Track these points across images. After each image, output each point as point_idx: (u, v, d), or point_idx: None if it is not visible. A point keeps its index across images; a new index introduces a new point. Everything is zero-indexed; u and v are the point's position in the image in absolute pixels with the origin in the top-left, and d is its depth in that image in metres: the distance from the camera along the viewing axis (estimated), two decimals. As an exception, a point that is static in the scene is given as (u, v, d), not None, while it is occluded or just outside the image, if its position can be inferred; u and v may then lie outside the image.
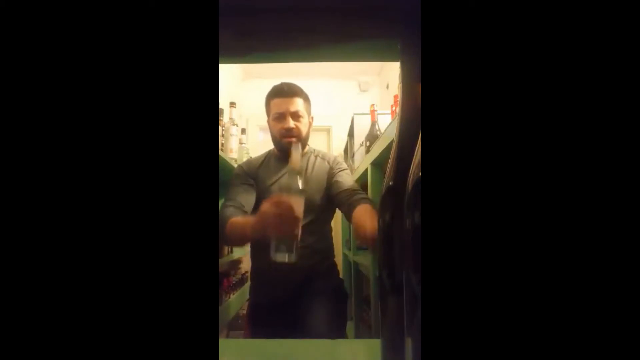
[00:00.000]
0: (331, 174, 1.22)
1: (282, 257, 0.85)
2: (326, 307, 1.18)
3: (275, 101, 1.21)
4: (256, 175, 1.24)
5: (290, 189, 0.93)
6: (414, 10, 0.24)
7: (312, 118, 1.29)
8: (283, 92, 1.21)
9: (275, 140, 1.25)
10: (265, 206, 0.85)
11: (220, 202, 1.26)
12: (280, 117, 1.20)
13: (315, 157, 1.28)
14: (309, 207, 1.14)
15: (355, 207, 1.03)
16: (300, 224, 0.85)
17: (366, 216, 0.97)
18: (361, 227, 0.97)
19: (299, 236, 0.86)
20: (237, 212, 1.09)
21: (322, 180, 1.22)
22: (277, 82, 1.26)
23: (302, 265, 1.18)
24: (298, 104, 1.21)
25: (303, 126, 1.22)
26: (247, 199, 1.16)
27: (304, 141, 1.23)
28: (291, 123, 1.19)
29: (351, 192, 1.11)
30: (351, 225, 1.23)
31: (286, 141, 1.18)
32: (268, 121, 1.26)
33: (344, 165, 1.26)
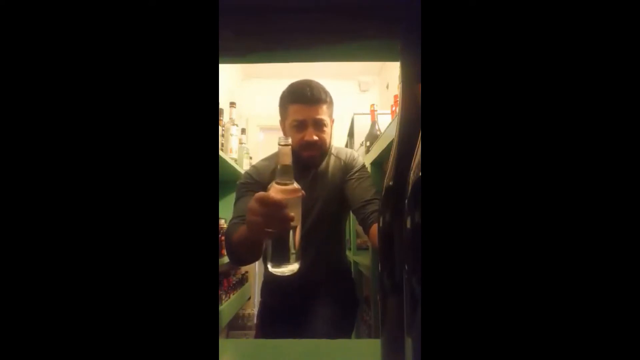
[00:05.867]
0: (345, 173, 1.08)
1: (277, 270, 0.65)
2: (337, 314, 1.13)
3: (295, 107, 1.00)
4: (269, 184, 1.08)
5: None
6: (414, 10, 0.24)
7: (333, 120, 1.09)
8: (306, 98, 0.99)
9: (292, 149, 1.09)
10: (251, 204, 0.65)
11: (221, 202, 1.22)
12: (300, 125, 1.00)
13: (329, 155, 1.12)
14: (321, 209, 1.07)
15: (371, 225, 0.94)
16: (298, 226, 0.66)
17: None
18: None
19: (298, 242, 0.66)
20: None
21: (335, 179, 1.09)
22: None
23: (313, 270, 1.11)
24: (322, 111, 1.00)
25: (327, 136, 1.03)
26: None
27: (324, 150, 1.06)
28: (313, 135, 0.99)
29: (366, 204, 0.97)
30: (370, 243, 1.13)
31: (307, 155, 1.01)
32: (282, 125, 1.06)
33: (360, 161, 1.11)
